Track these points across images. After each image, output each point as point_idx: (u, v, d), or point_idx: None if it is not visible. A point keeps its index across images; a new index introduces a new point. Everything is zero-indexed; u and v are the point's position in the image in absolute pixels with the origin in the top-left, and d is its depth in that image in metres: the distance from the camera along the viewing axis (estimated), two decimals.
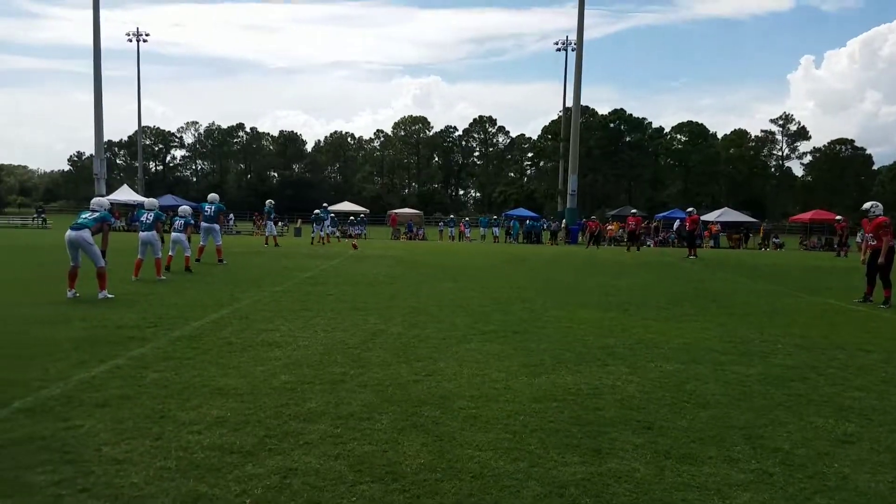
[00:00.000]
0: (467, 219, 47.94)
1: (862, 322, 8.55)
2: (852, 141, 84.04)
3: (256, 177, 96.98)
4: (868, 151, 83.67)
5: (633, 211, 34.61)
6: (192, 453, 3.44)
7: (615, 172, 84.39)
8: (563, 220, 40.50)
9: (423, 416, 4.14)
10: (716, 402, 4.67)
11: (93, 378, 4.86)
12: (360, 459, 3.41)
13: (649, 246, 34.86)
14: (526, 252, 26.45)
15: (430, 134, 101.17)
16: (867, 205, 10.65)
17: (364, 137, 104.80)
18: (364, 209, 49.68)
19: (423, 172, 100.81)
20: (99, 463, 3.29)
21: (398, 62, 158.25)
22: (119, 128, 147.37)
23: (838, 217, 31.84)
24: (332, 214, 32.35)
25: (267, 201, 26.77)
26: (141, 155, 64.53)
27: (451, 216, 45.47)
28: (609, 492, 3.12)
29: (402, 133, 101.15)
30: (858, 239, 14.34)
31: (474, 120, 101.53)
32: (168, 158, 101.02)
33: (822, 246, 36.97)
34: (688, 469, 3.43)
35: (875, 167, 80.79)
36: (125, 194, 43.55)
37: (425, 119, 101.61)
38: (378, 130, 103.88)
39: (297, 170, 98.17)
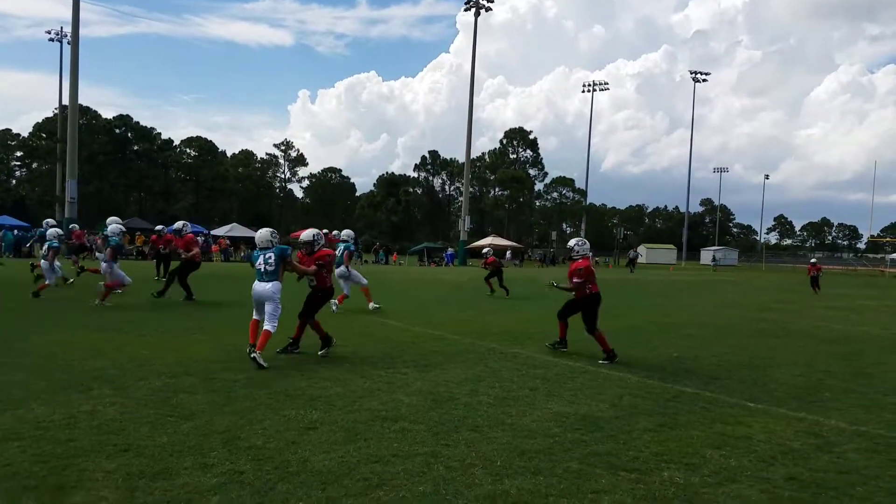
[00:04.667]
0: None
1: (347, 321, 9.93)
2: (340, 170, 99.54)
3: None
4: (352, 180, 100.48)
5: (159, 227, 31.97)
6: None
7: (124, 182, 77.45)
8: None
9: None
10: (201, 412, 4.74)
11: None
12: None
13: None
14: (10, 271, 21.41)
15: None
16: (571, 242, 8.50)
17: None
18: None
19: None
20: None
21: None
22: None
23: (325, 230, 37.39)
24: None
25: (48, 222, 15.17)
26: None
27: None
28: None
29: None
30: None
31: None
32: None
33: None
34: (161, 485, 3.37)
35: (358, 193, 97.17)
36: None
37: None
38: None
39: None
